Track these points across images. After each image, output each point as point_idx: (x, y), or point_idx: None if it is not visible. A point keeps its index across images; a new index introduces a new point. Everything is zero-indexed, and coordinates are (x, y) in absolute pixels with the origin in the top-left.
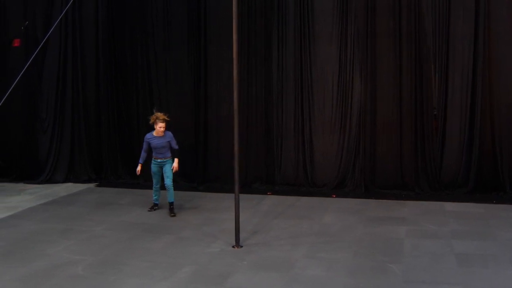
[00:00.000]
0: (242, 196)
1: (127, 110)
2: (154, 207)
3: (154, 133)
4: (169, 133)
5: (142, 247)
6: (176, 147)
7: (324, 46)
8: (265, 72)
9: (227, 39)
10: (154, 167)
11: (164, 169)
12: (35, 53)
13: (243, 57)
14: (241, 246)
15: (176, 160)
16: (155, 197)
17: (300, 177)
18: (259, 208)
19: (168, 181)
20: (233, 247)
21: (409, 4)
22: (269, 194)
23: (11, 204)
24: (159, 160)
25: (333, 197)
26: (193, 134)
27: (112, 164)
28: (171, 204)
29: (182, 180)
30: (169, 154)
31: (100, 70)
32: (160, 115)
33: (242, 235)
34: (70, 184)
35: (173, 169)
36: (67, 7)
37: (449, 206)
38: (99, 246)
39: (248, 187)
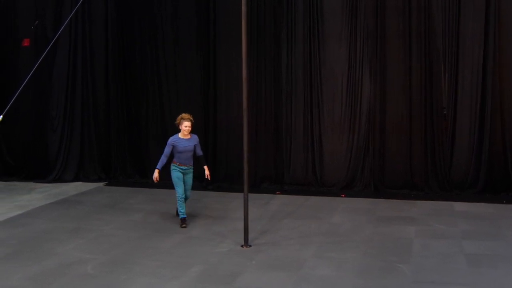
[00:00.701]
0: (251, 195)
1: (136, 110)
2: (186, 221)
3: (180, 135)
4: (196, 137)
5: (151, 247)
6: (201, 153)
7: (333, 46)
8: (274, 72)
9: (236, 39)
10: (178, 174)
11: (185, 179)
12: (46, 52)
13: (252, 57)
14: (250, 246)
15: (206, 167)
16: (182, 210)
17: (309, 177)
18: (268, 208)
19: (189, 194)
20: (242, 246)
21: (419, 3)
22: (278, 194)
23: (21, 203)
24: (184, 167)
25: (342, 196)
26: (203, 134)
27: (121, 163)
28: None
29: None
30: (192, 161)
31: (109, 69)
32: (185, 114)
33: (251, 234)
34: (79, 183)
35: (208, 177)
36: (77, 6)
37: (459, 206)
38: (109, 245)
39: (257, 187)
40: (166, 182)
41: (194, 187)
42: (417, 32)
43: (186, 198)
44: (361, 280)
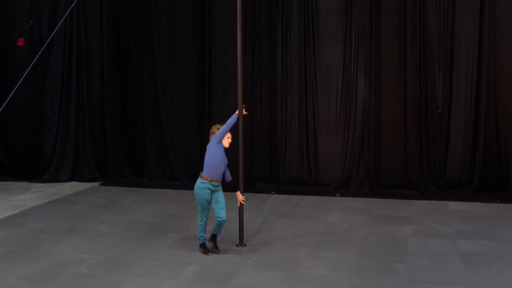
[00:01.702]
0: (246, 195)
1: (131, 109)
2: (206, 247)
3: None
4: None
5: (147, 246)
6: (231, 178)
7: (328, 46)
8: (269, 72)
9: (232, 39)
10: (206, 194)
11: (216, 197)
12: (40, 51)
13: (247, 57)
14: (246, 245)
15: (239, 193)
16: (203, 235)
17: (305, 176)
18: (264, 208)
19: (224, 214)
20: (237, 246)
21: (414, 3)
22: (273, 193)
23: (16, 202)
24: (215, 183)
25: (337, 196)
26: (198, 133)
27: (116, 162)
28: (215, 236)
29: (187, 180)
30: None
31: (104, 68)
32: (220, 125)
33: (246, 234)
34: (74, 183)
35: (242, 202)
36: (72, 5)
37: (454, 205)
38: (105, 245)
39: (252, 186)
40: (162, 181)
41: (188, 187)
42: (412, 32)
43: (221, 221)
44: (357, 280)
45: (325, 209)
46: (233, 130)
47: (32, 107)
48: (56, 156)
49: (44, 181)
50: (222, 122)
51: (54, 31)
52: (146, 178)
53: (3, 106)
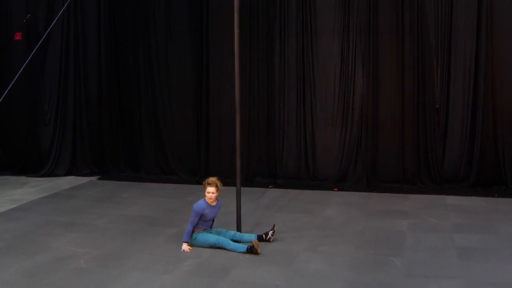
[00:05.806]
0: (244, 189)
1: (129, 104)
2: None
3: (207, 200)
4: (220, 203)
5: (144, 241)
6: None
7: (326, 41)
8: (267, 67)
9: (229, 34)
10: (204, 236)
11: (212, 230)
12: (37, 46)
13: (245, 52)
14: None
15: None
16: (239, 247)
17: (302, 171)
18: (261, 202)
19: (233, 232)
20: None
21: None
22: (271, 188)
23: (14, 197)
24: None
25: (334, 190)
26: (195, 128)
27: (114, 157)
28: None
29: (184, 174)
30: None
31: (102, 62)
32: (211, 178)
33: (244, 228)
34: (72, 178)
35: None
36: (69, 0)
37: (451, 199)
38: (102, 239)
39: (250, 181)
40: (159, 176)
41: (187, 181)
42: (410, 27)
43: (236, 239)
44: (353, 274)
45: (322, 203)
46: (231, 125)
47: (29, 101)
48: (54, 150)
49: (42, 176)
50: (220, 119)
51: (52, 24)
52: (144, 172)
53: (0, 99)
